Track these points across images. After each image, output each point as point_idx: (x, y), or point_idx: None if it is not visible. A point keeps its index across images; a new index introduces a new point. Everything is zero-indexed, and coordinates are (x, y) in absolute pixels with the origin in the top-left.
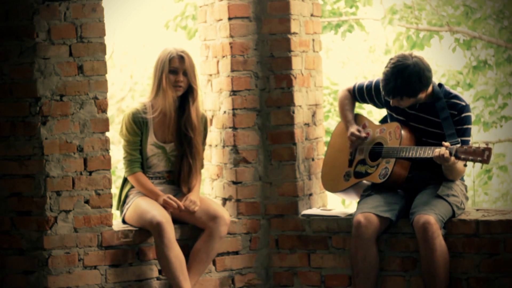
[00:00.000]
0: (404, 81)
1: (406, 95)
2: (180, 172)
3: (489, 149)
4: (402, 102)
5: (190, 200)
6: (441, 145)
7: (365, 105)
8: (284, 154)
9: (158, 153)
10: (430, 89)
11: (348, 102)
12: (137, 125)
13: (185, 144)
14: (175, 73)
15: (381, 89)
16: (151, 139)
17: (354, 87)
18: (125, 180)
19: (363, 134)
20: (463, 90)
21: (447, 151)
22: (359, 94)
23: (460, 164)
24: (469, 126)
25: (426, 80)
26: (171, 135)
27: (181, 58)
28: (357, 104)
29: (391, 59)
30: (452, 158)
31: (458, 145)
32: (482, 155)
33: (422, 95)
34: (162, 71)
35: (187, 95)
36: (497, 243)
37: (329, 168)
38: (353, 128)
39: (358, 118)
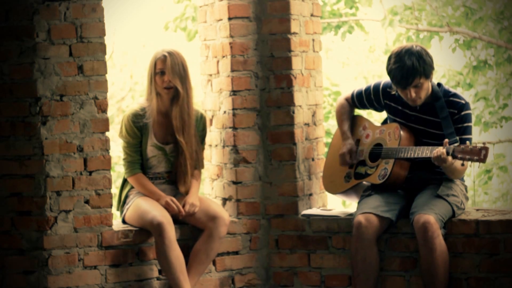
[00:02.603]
0: (417, 57)
1: (424, 74)
2: (176, 172)
3: (486, 148)
4: (420, 92)
5: (190, 204)
6: (440, 145)
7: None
8: (284, 154)
9: (158, 154)
10: (430, 88)
11: (345, 111)
12: (137, 127)
13: (178, 144)
14: (162, 74)
15: (397, 83)
16: (151, 140)
17: (352, 94)
18: (125, 181)
19: (352, 161)
20: (464, 90)
21: (444, 151)
22: (359, 100)
23: (458, 163)
24: (469, 124)
25: (431, 58)
26: (170, 136)
27: (164, 58)
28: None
29: (390, 55)
30: (450, 158)
31: (456, 145)
32: (479, 154)
33: (430, 84)
34: (151, 73)
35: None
36: (497, 243)
37: (330, 170)
38: (345, 149)
39: (358, 120)
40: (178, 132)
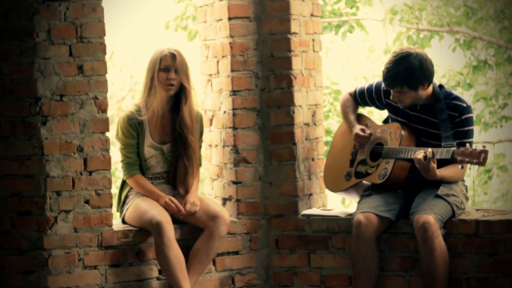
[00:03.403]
0: (406, 68)
1: (407, 85)
2: (175, 173)
3: (486, 152)
4: (402, 97)
5: (191, 203)
6: (440, 146)
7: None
8: (284, 154)
9: (156, 154)
10: (430, 89)
11: (350, 105)
12: (133, 128)
13: (180, 145)
14: (167, 71)
15: (383, 81)
16: (148, 140)
17: (355, 91)
18: (124, 182)
19: (367, 133)
20: (463, 90)
21: (421, 156)
22: (361, 97)
23: (449, 171)
24: (470, 128)
25: (428, 73)
26: (167, 135)
27: (173, 56)
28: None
29: (394, 51)
30: (432, 164)
31: (455, 148)
32: (478, 157)
33: (422, 92)
34: (154, 69)
35: (181, 95)
36: (497, 243)
37: (331, 168)
38: (356, 129)
39: (360, 118)
40: (188, 131)
